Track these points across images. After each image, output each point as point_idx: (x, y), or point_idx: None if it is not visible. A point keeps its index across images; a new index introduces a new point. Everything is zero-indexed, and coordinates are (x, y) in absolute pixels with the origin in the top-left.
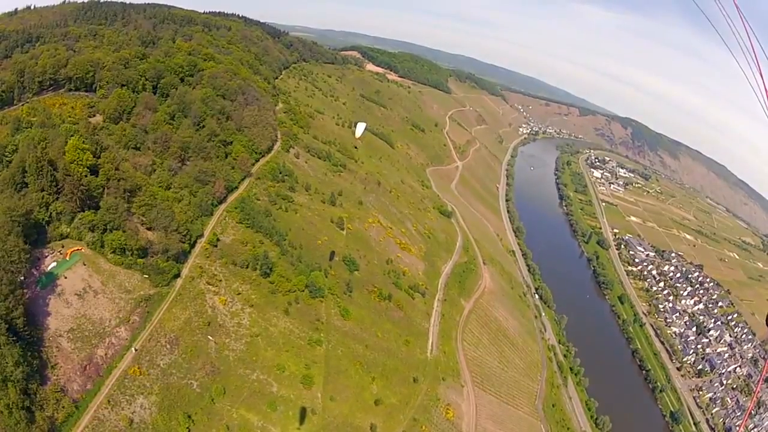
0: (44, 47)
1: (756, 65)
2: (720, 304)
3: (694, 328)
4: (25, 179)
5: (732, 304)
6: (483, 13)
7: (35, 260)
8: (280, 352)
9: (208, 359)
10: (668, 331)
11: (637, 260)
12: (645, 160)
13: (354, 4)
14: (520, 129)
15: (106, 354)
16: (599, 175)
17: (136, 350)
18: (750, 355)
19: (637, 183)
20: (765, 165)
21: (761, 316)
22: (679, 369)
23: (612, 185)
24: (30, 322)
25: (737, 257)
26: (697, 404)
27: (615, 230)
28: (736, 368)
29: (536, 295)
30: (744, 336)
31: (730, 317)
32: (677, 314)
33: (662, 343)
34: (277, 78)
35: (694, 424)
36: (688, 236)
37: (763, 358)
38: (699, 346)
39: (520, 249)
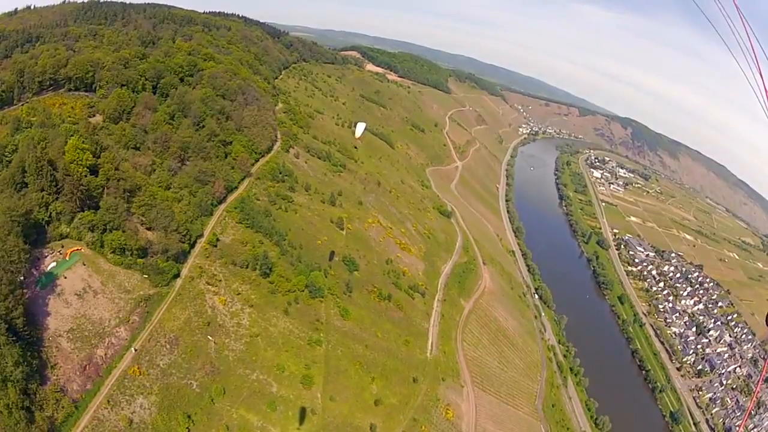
0: (44, 47)
1: (756, 65)
2: (720, 304)
3: (694, 329)
4: (25, 179)
5: (732, 304)
6: (483, 13)
7: (35, 260)
8: (280, 352)
9: (208, 359)
10: (668, 332)
11: (636, 260)
12: (645, 160)
13: (354, 4)
14: (520, 129)
15: (105, 354)
16: (599, 175)
17: (135, 350)
18: (750, 355)
19: (637, 183)
20: (765, 165)
21: (761, 316)
22: (678, 369)
23: (612, 185)
24: (30, 322)
25: (737, 257)
26: (696, 404)
27: (615, 230)
28: (735, 368)
29: (536, 295)
30: (744, 336)
31: (729, 317)
32: (677, 314)
33: (662, 343)
34: (276, 78)
35: (694, 424)
36: (687, 236)
37: (763, 358)
38: (699, 347)
39: (520, 249)
